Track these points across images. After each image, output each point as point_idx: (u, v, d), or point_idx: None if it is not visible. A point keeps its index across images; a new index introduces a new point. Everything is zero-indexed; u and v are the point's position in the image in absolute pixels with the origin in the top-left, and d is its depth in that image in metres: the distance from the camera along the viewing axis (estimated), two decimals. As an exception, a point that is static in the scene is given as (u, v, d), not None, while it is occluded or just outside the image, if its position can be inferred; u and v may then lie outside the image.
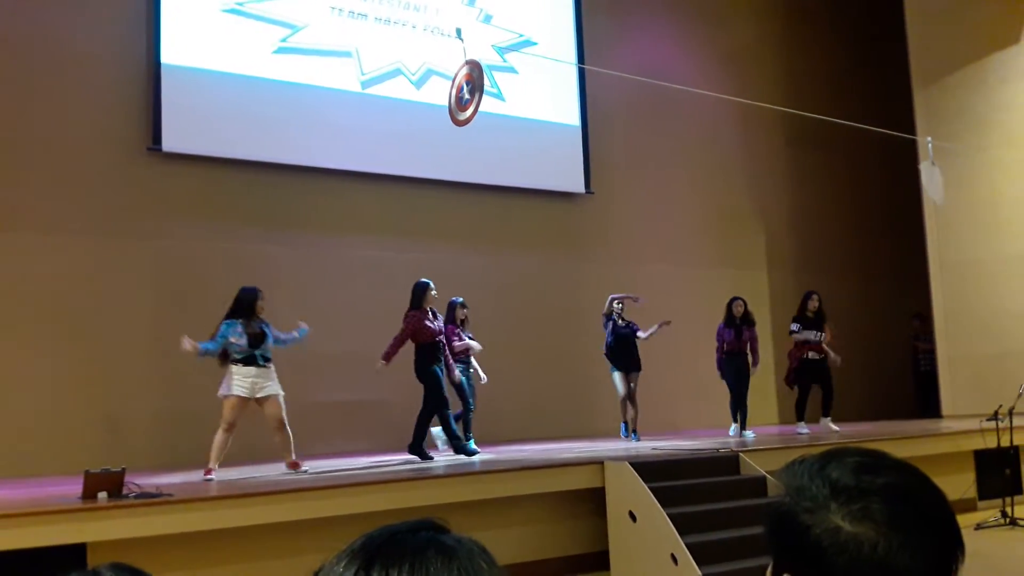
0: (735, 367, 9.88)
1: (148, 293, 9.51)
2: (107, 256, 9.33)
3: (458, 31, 8.74)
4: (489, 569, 0.82)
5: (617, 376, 9.72)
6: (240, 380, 7.17)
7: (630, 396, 9.74)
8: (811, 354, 9.91)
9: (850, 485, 1.02)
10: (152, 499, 5.62)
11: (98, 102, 9.50)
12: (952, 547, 1.01)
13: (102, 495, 5.64)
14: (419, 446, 8.11)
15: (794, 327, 10.02)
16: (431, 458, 8.08)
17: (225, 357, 7.24)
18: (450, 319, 8.93)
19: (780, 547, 1.06)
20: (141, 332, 9.41)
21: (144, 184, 9.60)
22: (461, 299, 9.09)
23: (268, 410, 7.35)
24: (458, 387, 8.78)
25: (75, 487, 5.87)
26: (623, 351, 9.69)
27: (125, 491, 5.75)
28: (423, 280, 8.32)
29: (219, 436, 7.19)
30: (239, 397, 7.15)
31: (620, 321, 9.76)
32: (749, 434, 9.79)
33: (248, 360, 7.22)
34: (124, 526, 5.44)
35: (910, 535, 0.98)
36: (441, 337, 8.24)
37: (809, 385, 10.07)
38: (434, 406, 8.15)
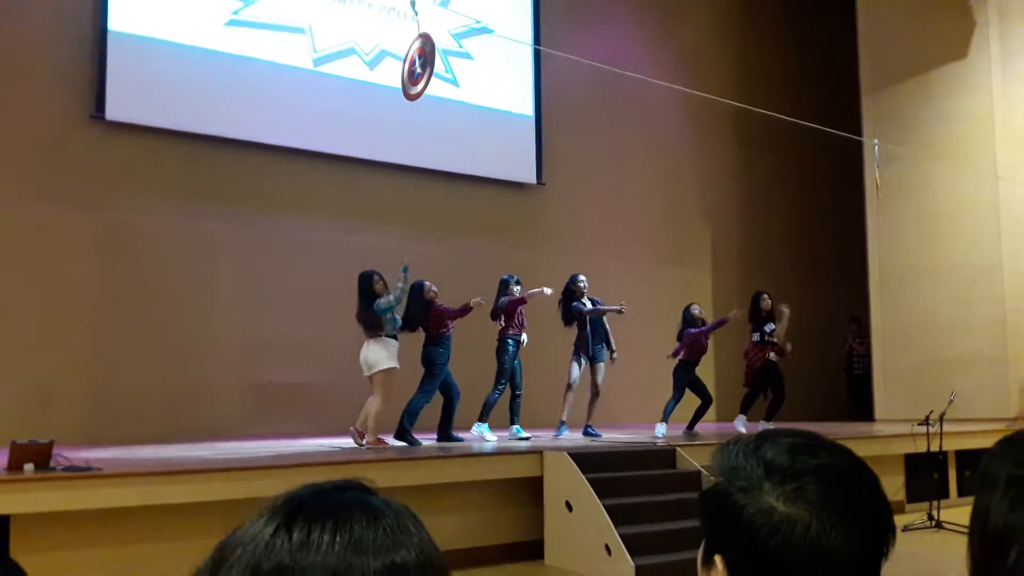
0: (691, 379, 9.71)
1: (86, 265, 9.29)
2: (45, 225, 9.09)
3: (412, 3, 8.67)
4: (417, 531, 0.80)
5: (579, 366, 9.09)
6: (394, 352, 7.81)
7: (594, 386, 9.21)
8: (772, 355, 9.79)
9: (785, 465, 1.02)
10: (80, 473, 5.49)
11: (40, 67, 9.24)
12: (884, 530, 1.01)
13: (28, 467, 5.50)
14: (405, 431, 8.20)
15: (768, 328, 9.79)
16: (418, 443, 8.09)
17: (377, 328, 7.75)
18: (503, 295, 8.84)
19: (713, 528, 1.05)
20: (77, 304, 9.21)
21: (85, 153, 9.37)
22: (515, 276, 8.97)
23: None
24: (509, 371, 8.73)
25: (0, 458, 5.73)
26: (596, 336, 9.14)
27: (53, 464, 5.62)
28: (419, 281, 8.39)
29: (382, 407, 7.74)
30: (395, 368, 7.82)
31: (588, 303, 9.16)
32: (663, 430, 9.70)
33: (396, 335, 7.87)
34: (50, 499, 5.31)
35: (843, 516, 0.98)
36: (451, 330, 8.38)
37: (765, 387, 9.92)
38: (423, 393, 8.27)
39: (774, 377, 9.88)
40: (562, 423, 9.20)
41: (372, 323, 7.81)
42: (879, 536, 1.00)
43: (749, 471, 1.03)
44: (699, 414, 9.79)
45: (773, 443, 1.05)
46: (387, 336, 7.79)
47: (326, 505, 0.79)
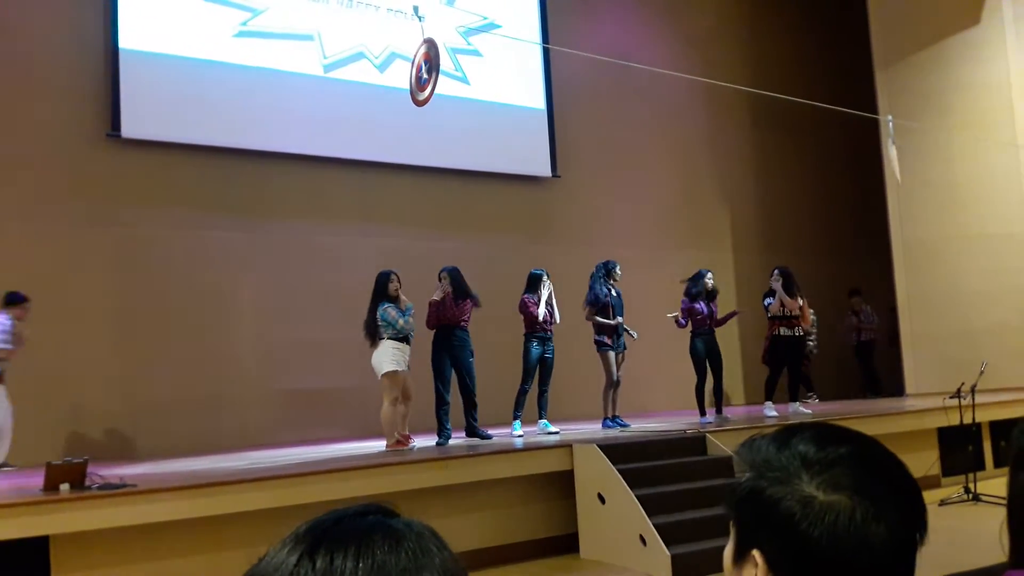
0: (712, 346, 9.55)
1: (109, 281, 9.38)
2: (67, 244, 9.18)
3: (415, 9, 8.68)
4: (439, 552, 0.80)
5: (612, 356, 8.98)
6: (402, 356, 7.79)
7: (618, 378, 9.10)
8: (783, 330, 9.75)
9: (818, 455, 1.02)
10: (115, 490, 5.54)
11: (56, 88, 9.32)
12: (920, 514, 1.01)
13: (64, 487, 5.55)
14: (472, 429, 8.36)
15: (766, 302, 9.84)
16: (488, 436, 8.25)
17: (375, 336, 7.76)
18: (532, 290, 8.80)
19: (746, 524, 1.04)
20: (102, 320, 9.29)
21: (104, 171, 9.45)
22: (544, 271, 8.87)
23: (407, 381, 7.95)
24: (537, 363, 8.71)
25: (36, 479, 5.79)
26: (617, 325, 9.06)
27: (88, 482, 5.66)
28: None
29: (392, 410, 7.76)
30: (402, 371, 7.78)
31: (613, 290, 9.11)
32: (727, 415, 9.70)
33: (407, 338, 7.84)
34: (87, 518, 5.36)
35: (880, 503, 0.98)
36: (463, 322, 8.34)
37: (781, 364, 9.92)
38: (436, 397, 8.28)
39: (785, 352, 9.82)
40: (606, 418, 9.16)
41: (371, 325, 7.82)
42: (916, 520, 1.01)
43: (784, 462, 1.02)
44: (716, 394, 9.63)
45: (799, 435, 1.06)
46: (391, 339, 7.75)
47: (348, 531, 0.79)
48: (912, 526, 1.00)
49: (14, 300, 8.28)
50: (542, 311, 8.68)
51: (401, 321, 7.74)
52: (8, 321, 8.14)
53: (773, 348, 9.89)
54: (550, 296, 8.77)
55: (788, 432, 1.07)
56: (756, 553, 1.02)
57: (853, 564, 0.96)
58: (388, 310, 7.75)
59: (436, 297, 8.35)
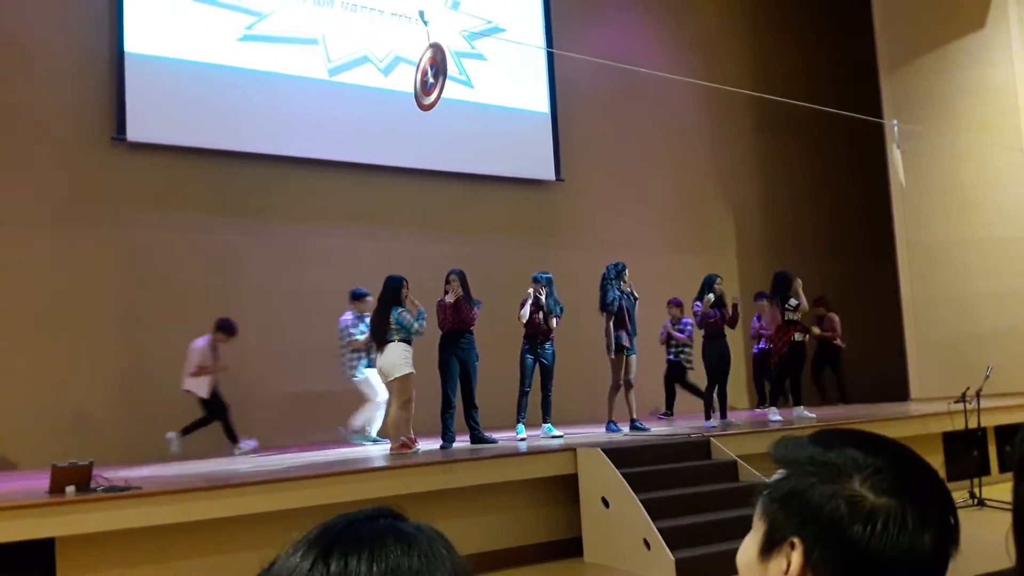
0: (723, 350, 9.59)
1: (114, 284, 9.40)
2: (72, 247, 9.20)
3: (421, 14, 8.67)
4: (449, 555, 0.81)
5: (621, 359, 8.85)
6: (410, 357, 7.83)
7: (628, 381, 8.99)
8: (797, 336, 9.76)
9: (866, 459, 1.02)
10: (120, 492, 5.56)
11: (61, 92, 9.35)
12: (956, 526, 1.01)
13: (70, 489, 5.57)
14: (477, 435, 8.37)
15: (792, 303, 9.72)
16: (492, 441, 8.26)
17: (384, 340, 7.80)
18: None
19: (781, 522, 1.03)
20: (107, 324, 9.30)
21: (109, 174, 9.47)
22: (544, 275, 8.83)
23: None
24: (531, 366, 8.69)
25: (42, 481, 5.81)
26: (628, 326, 8.93)
27: (93, 485, 5.68)
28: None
29: (402, 413, 7.77)
30: (414, 374, 7.87)
31: (627, 287, 9.03)
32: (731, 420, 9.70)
33: (411, 340, 7.88)
34: (92, 520, 5.38)
35: (926, 510, 0.98)
36: (469, 327, 8.32)
37: (791, 369, 9.89)
38: (443, 400, 8.24)
39: (800, 359, 9.80)
40: (610, 421, 9.07)
41: (381, 328, 7.80)
42: (953, 533, 1.01)
43: (833, 459, 1.02)
44: (721, 398, 9.63)
45: (842, 437, 1.06)
46: (402, 341, 7.77)
47: (360, 535, 0.80)
48: (950, 539, 1.00)
49: (357, 296, 9.24)
50: (524, 313, 8.67)
51: (416, 325, 7.77)
52: (351, 316, 9.09)
53: (791, 354, 9.82)
54: (537, 299, 8.68)
55: (827, 435, 1.07)
56: (796, 540, 1.00)
57: (896, 569, 0.96)
58: (404, 314, 7.78)
59: (448, 299, 8.29)
